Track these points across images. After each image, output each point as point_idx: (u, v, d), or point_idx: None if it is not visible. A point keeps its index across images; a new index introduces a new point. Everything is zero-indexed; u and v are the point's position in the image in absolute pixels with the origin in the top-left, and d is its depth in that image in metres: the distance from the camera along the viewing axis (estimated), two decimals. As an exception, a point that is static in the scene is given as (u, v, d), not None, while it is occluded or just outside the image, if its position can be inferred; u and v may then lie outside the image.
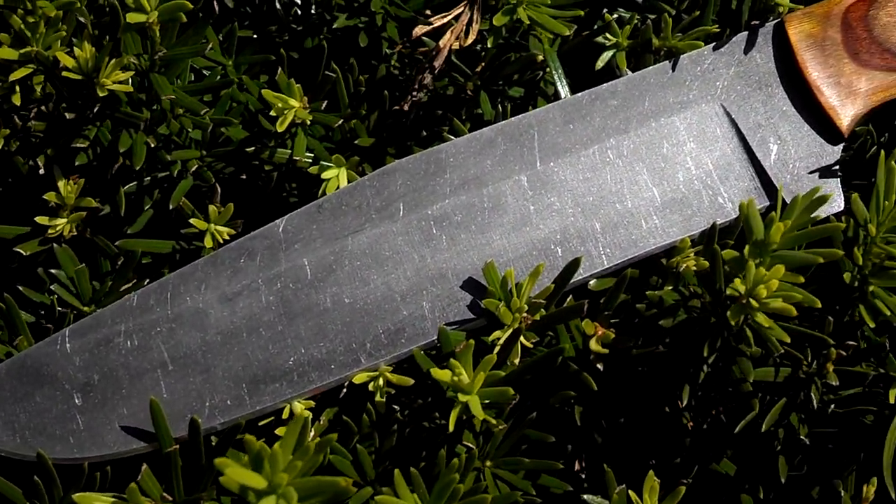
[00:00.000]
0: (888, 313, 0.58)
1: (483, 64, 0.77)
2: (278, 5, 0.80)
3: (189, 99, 0.67)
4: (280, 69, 0.69)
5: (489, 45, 0.64)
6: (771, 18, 0.73)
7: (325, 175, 0.68)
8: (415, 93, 0.72)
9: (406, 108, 0.73)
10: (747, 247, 0.55)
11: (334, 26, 0.72)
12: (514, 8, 0.63)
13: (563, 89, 0.74)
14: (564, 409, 0.64)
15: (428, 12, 0.78)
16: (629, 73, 0.74)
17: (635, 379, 0.63)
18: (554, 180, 0.68)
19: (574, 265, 0.63)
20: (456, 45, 0.75)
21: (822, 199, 0.57)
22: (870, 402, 0.61)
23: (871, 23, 0.71)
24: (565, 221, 0.67)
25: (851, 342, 0.61)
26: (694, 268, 0.66)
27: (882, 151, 0.59)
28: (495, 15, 0.63)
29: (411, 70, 0.76)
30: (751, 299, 0.54)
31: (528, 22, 0.63)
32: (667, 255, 0.68)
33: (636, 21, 0.74)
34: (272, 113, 0.66)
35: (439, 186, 0.68)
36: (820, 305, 0.56)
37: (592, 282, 0.68)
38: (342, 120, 0.69)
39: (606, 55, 0.73)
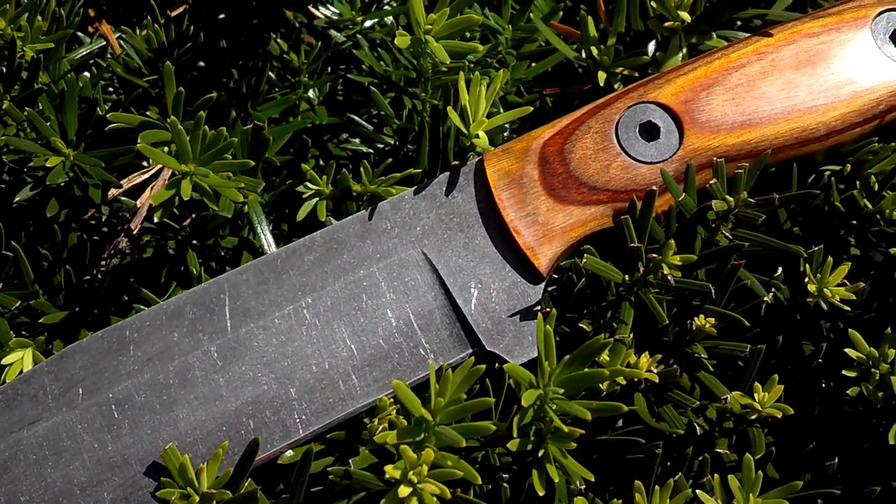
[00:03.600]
0: (557, 479, 0.58)
1: (193, 216, 0.77)
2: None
3: None
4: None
5: (156, 219, 0.64)
6: (472, 157, 0.74)
7: (5, 360, 0.68)
8: (108, 258, 0.72)
9: (100, 275, 0.72)
10: (394, 431, 0.56)
11: (16, 199, 0.71)
12: (178, 182, 0.63)
13: (267, 242, 0.74)
14: None
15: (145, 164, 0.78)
16: (333, 221, 0.74)
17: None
18: (246, 347, 0.69)
19: (253, 447, 0.64)
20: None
21: (477, 372, 0.57)
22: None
23: (567, 157, 0.73)
24: (258, 391, 0.68)
25: (528, 509, 0.62)
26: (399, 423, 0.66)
27: (539, 315, 0.60)
28: (154, 193, 0.62)
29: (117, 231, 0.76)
30: (403, 486, 0.55)
31: (188, 197, 0.62)
32: (370, 414, 0.69)
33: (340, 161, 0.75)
34: (-65, 306, 0.66)
35: (122, 366, 0.68)
36: (480, 482, 0.56)
37: (289, 452, 0.68)
38: (20, 300, 0.68)
39: (308, 205, 0.74)
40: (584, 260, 0.69)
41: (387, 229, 0.74)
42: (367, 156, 0.88)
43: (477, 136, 0.74)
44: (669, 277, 0.67)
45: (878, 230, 0.74)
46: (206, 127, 0.65)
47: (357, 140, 0.88)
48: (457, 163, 0.75)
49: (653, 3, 0.78)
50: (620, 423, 0.73)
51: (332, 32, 0.93)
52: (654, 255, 0.67)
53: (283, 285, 0.71)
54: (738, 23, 0.86)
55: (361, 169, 0.74)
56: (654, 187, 0.71)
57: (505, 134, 0.88)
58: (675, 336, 0.71)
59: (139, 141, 0.64)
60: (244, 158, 0.75)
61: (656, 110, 0.75)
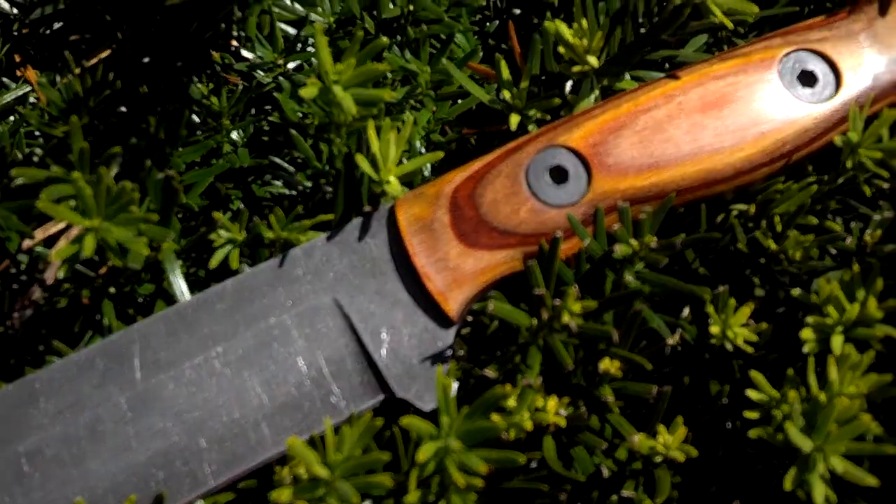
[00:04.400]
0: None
1: (109, 264, 0.78)
2: None
3: None
4: None
5: (60, 275, 0.65)
6: (386, 201, 0.76)
7: (-85, 415, 0.68)
8: (21, 309, 0.73)
9: (14, 326, 0.73)
10: (289, 489, 0.57)
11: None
12: (80, 237, 0.64)
13: (180, 290, 0.75)
14: None
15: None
16: (247, 268, 0.76)
17: None
18: (156, 399, 0.70)
19: (159, 501, 0.64)
20: (74, 251, 0.75)
21: (375, 427, 0.59)
22: None
23: (478, 201, 0.75)
24: (168, 442, 0.69)
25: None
26: (305, 476, 0.67)
27: (439, 367, 0.61)
28: (57, 250, 0.63)
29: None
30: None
31: (91, 253, 0.63)
32: (282, 463, 0.69)
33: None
34: None
35: (32, 418, 0.68)
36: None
37: (200, 503, 0.68)
38: (-71, 356, 0.69)
39: (221, 253, 0.75)
40: (491, 306, 0.71)
41: (299, 276, 0.75)
42: (289, 198, 0.89)
43: (388, 183, 0.75)
44: (571, 324, 0.69)
45: (783, 269, 0.76)
46: (111, 180, 0.66)
47: (279, 183, 0.89)
48: (369, 209, 0.77)
49: (560, 49, 0.80)
50: (534, 464, 0.74)
51: (259, 73, 0.94)
52: (558, 302, 0.69)
53: (194, 335, 0.72)
54: (663, 62, 0.88)
55: (272, 216, 0.76)
56: (559, 232, 0.72)
57: (426, 173, 0.89)
58: (584, 378, 0.73)
59: (41, 197, 0.65)
60: (158, 207, 0.77)
61: (566, 154, 0.77)
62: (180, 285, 0.77)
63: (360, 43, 0.73)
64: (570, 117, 0.79)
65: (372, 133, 0.74)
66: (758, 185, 0.79)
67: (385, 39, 0.73)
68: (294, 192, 0.89)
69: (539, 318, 0.71)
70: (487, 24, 1.02)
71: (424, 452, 0.60)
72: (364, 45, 0.74)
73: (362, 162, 0.74)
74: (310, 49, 0.94)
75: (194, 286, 0.80)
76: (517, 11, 1.01)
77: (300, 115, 0.86)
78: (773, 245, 0.75)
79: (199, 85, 0.90)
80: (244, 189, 0.91)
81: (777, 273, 0.77)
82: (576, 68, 0.80)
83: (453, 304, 0.74)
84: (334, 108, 0.75)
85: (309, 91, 0.73)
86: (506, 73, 0.83)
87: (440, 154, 0.77)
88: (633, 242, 0.72)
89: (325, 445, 0.60)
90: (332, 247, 0.76)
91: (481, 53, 0.93)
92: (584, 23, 0.79)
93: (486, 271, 0.75)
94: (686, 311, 0.75)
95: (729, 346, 0.72)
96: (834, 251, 0.78)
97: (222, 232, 0.77)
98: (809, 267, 0.75)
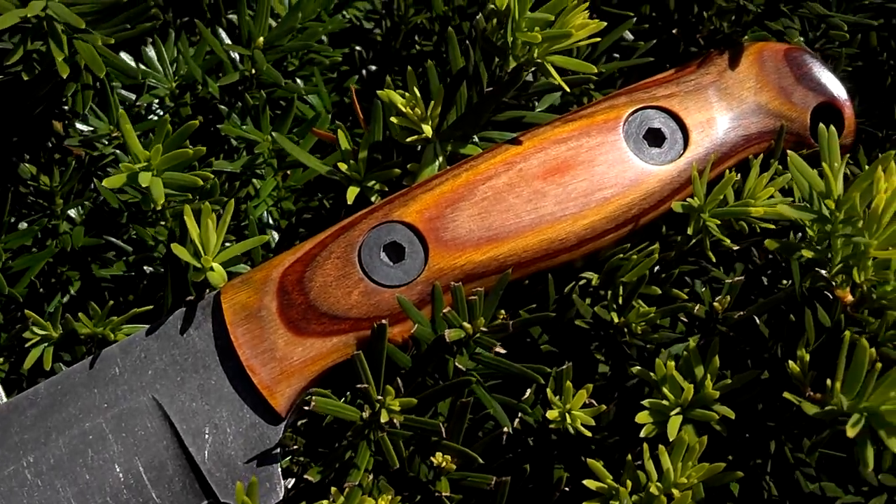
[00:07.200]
0: None
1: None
2: None
3: None
4: None
5: None
6: (209, 291, 0.74)
7: None
8: None
9: None
10: None
11: None
12: None
13: (-3, 394, 0.74)
14: None
15: None
16: (64, 368, 0.74)
17: None
18: (-37, 514, 0.68)
19: None
20: None
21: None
22: None
23: (307, 286, 0.74)
24: (-26, 561, 0.67)
25: None
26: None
27: (238, 485, 0.60)
28: None
29: None
30: None
31: None
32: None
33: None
34: None
35: None
36: None
37: None
38: None
39: (35, 352, 0.73)
40: (313, 403, 0.70)
41: (115, 375, 0.73)
42: (130, 280, 0.87)
43: (211, 270, 0.74)
44: (395, 420, 0.67)
45: (629, 342, 0.75)
46: None
47: (119, 263, 0.88)
48: (191, 297, 0.75)
49: (393, 119, 0.79)
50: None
51: (103, 143, 0.92)
52: (381, 397, 0.68)
53: (4, 444, 0.71)
54: (511, 123, 0.86)
55: (81, 314, 0.74)
56: (384, 320, 0.71)
57: (273, 244, 0.88)
58: (421, 472, 0.72)
59: None
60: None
61: (401, 230, 0.76)
62: (-4, 388, 0.75)
63: (168, 126, 0.72)
64: (406, 190, 0.78)
65: (189, 219, 0.73)
66: (606, 252, 0.78)
67: (195, 122, 0.72)
68: (133, 273, 0.87)
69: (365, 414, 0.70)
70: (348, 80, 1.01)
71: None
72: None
73: (180, 251, 0.73)
74: (152, 117, 0.93)
75: (14, 386, 0.79)
76: (373, 68, 1.00)
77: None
78: (616, 318, 0.75)
79: (27, 165, 0.88)
80: (83, 270, 0.89)
81: (624, 346, 0.76)
82: (411, 138, 0.79)
83: (281, 399, 0.72)
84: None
85: (114, 181, 0.71)
86: (344, 143, 0.82)
87: (264, 238, 0.76)
88: (466, 325, 0.71)
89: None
90: (152, 341, 0.74)
91: (329, 117, 0.92)
92: (417, 91, 0.79)
93: (317, 360, 0.73)
94: (528, 393, 0.74)
95: (571, 430, 0.71)
96: (685, 319, 0.78)
97: (36, 329, 0.75)
98: (654, 339, 0.75)
